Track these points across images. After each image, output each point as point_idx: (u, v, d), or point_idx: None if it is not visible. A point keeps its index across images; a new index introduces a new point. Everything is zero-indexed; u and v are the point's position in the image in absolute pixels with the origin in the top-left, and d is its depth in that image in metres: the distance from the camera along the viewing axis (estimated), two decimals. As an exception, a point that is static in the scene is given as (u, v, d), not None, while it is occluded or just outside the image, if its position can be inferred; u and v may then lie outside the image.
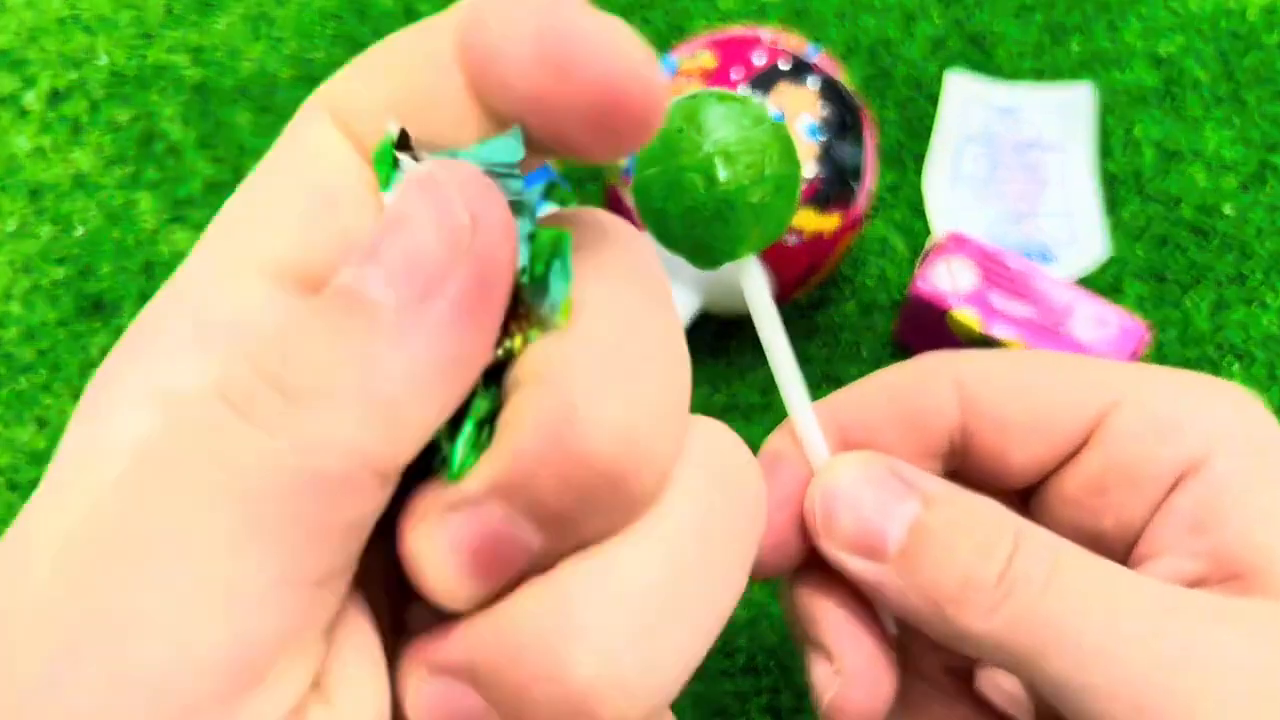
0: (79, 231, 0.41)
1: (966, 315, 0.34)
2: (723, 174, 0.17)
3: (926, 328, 0.36)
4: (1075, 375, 0.20)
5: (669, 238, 0.18)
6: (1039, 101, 0.43)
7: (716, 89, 0.18)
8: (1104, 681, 0.16)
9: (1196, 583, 0.18)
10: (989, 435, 0.20)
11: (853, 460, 0.20)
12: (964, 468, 0.21)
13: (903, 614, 0.19)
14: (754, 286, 0.19)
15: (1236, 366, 0.38)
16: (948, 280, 0.35)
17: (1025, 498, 0.21)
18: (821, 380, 0.38)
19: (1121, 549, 0.20)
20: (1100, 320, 0.34)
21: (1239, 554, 0.18)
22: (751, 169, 0.17)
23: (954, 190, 0.41)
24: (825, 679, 0.20)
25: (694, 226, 0.17)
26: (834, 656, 0.20)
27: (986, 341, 0.34)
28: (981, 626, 0.17)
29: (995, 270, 0.35)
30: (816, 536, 0.20)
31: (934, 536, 0.18)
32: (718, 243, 0.18)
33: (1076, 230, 0.40)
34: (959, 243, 0.35)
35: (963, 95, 0.44)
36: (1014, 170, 0.42)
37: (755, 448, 0.37)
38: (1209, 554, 0.18)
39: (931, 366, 0.21)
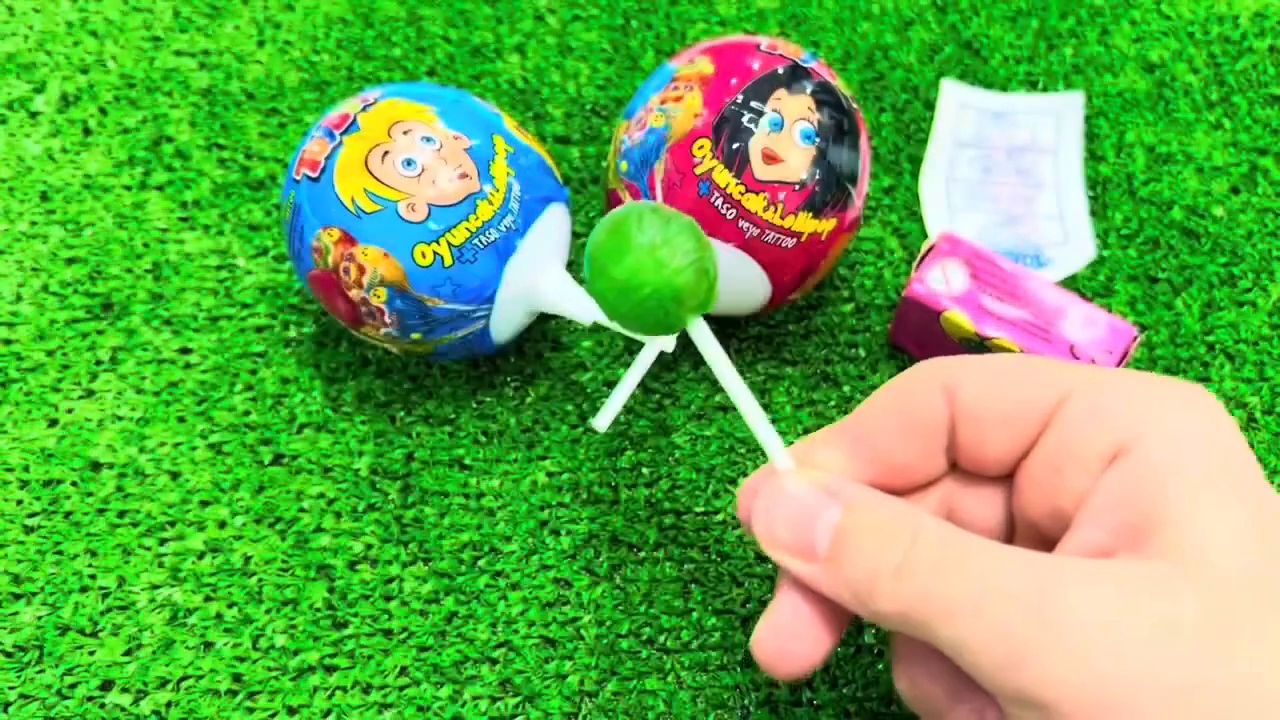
0: (88, 233, 0.41)
1: (959, 316, 0.35)
2: (665, 269, 0.23)
3: (921, 329, 0.37)
4: (1039, 374, 0.23)
5: (632, 326, 0.24)
6: (1030, 107, 0.44)
7: (636, 203, 0.24)
8: (977, 637, 0.19)
9: (1103, 552, 0.20)
10: (970, 430, 0.23)
11: (790, 477, 0.24)
12: (960, 461, 0.24)
13: (836, 601, 0.23)
14: (702, 338, 0.25)
15: (1228, 367, 0.38)
16: (941, 282, 0.36)
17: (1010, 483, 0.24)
18: (819, 380, 0.38)
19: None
20: (1090, 321, 0.34)
21: (1142, 525, 0.20)
22: (682, 262, 0.23)
23: (949, 194, 0.42)
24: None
25: (648, 316, 0.24)
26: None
27: (980, 342, 0.35)
28: (888, 608, 0.21)
29: (987, 272, 0.35)
30: (761, 544, 0.24)
31: (850, 538, 0.22)
32: (670, 320, 0.24)
33: (1068, 232, 0.41)
34: (953, 244, 0.36)
35: (956, 101, 0.44)
36: (1007, 174, 0.42)
37: (754, 447, 0.38)
38: (1120, 526, 0.20)
39: (922, 374, 0.24)
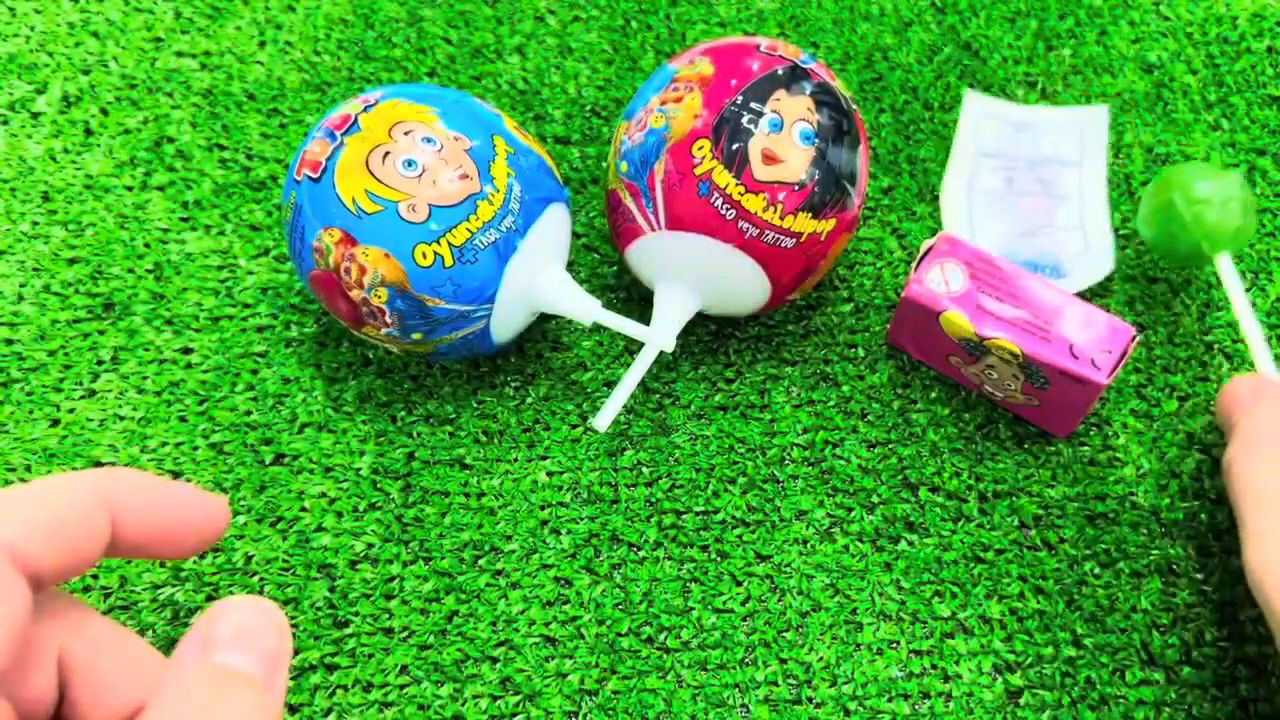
0: (90, 233, 0.41)
1: (958, 317, 0.35)
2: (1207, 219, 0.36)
3: (920, 329, 0.37)
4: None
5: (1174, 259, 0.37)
6: (1053, 120, 0.44)
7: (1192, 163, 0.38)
8: None
9: None
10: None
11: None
12: None
13: None
14: (1228, 272, 0.36)
15: (1226, 367, 0.39)
16: (940, 283, 0.35)
17: None
18: (819, 380, 0.38)
19: None
20: (1089, 321, 0.34)
21: None
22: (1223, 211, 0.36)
23: (970, 204, 0.42)
24: None
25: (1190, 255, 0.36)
26: None
27: (979, 342, 0.35)
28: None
29: (986, 272, 0.35)
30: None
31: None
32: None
33: (1089, 244, 0.40)
34: (951, 245, 0.36)
35: (978, 112, 0.44)
36: (1029, 185, 0.42)
37: (754, 447, 0.38)
38: None
39: None
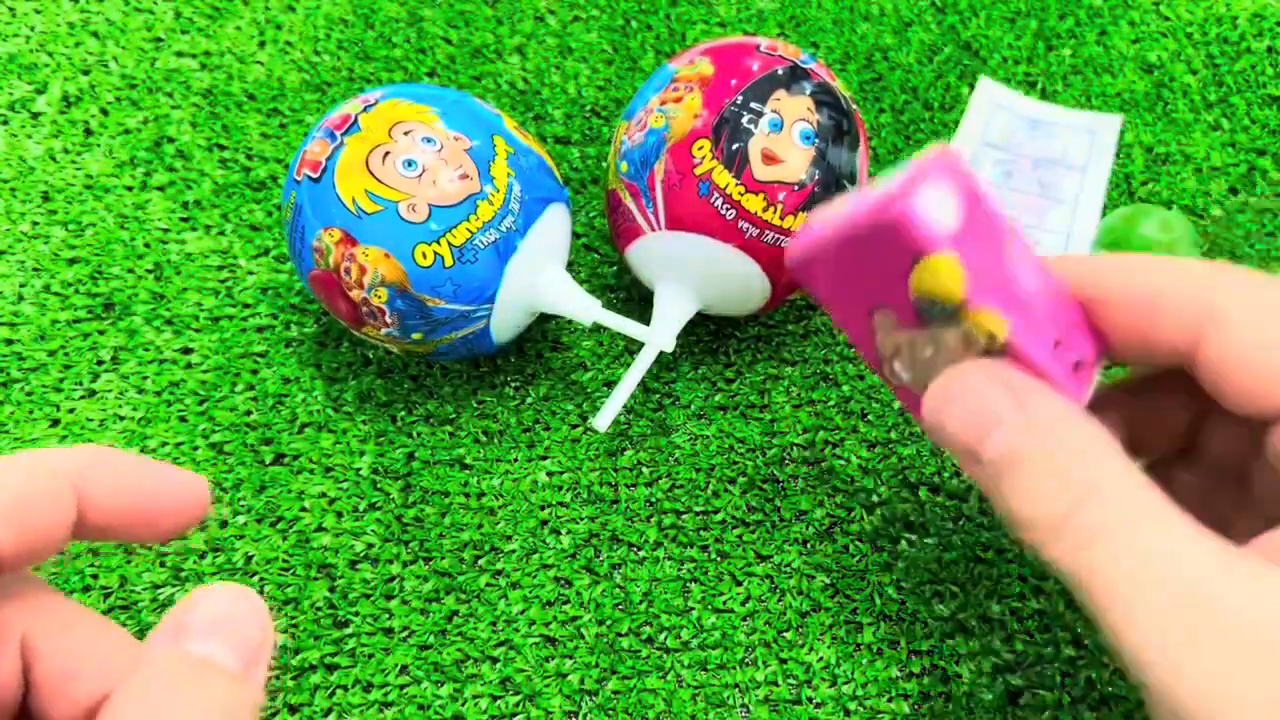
0: (90, 233, 0.41)
1: (951, 265, 0.22)
2: None
3: (861, 266, 0.24)
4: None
5: None
6: (1069, 121, 0.44)
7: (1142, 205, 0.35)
8: (1131, 628, 0.18)
9: None
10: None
11: (982, 364, 0.22)
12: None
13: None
14: None
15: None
16: (940, 212, 0.22)
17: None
18: (819, 380, 0.38)
19: None
20: (1066, 323, 0.25)
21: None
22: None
23: None
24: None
25: None
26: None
27: (953, 311, 0.23)
28: (1045, 553, 0.19)
29: (979, 221, 0.23)
30: (925, 429, 0.22)
31: (1020, 466, 0.20)
32: None
33: (1069, 251, 0.41)
34: (950, 166, 0.23)
35: (990, 100, 0.44)
36: (1029, 184, 0.42)
37: (754, 447, 0.38)
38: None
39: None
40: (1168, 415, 0.25)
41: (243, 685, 0.20)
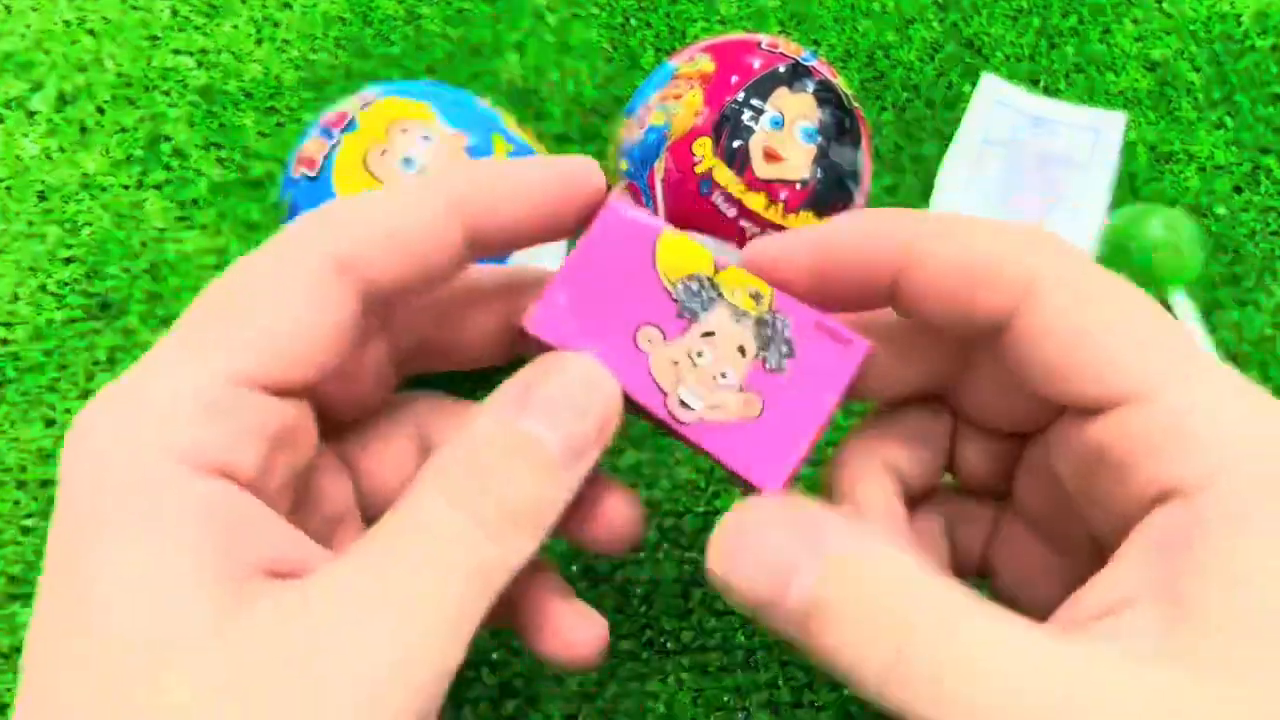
0: (86, 233, 0.41)
1: (684, 239, 0.22)
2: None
3: (606, 283, 0.22)
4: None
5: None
6: (1073, 118, 0.44)
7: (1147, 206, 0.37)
8: None
9: (1146, 634, 0.16)
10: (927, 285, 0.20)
11: (762, 505, 0.19)
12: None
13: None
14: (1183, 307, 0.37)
15: (1231, 368, 0.38)
16: (643, 214, 0.22)
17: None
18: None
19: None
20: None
21: (1205, 607, 0.16)
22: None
23: (965, 189, 0.42)
24: None
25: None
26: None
27: (710, 279, 0.22)
28: (881, 702, 0.17)
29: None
30: (711, 572, 0.19)
31: (829, 613, 0.17)
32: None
33: None
34: (628, 206, 0.22)
35: (993, 97, 0.44)
36: (1032, 182, 0.42)
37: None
38: (1171, 600, 0.17)
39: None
40: (929, 445, 0.24)
41: (558, 475, 0.19)
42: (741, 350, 0.21)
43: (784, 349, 0.21)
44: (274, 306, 0.18)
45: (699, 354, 0.21)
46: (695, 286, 0.21)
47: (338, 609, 0.17)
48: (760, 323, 0.21)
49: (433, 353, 0.24)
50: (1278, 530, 0.16)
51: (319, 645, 0.16)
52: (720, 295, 0.21)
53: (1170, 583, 0.17)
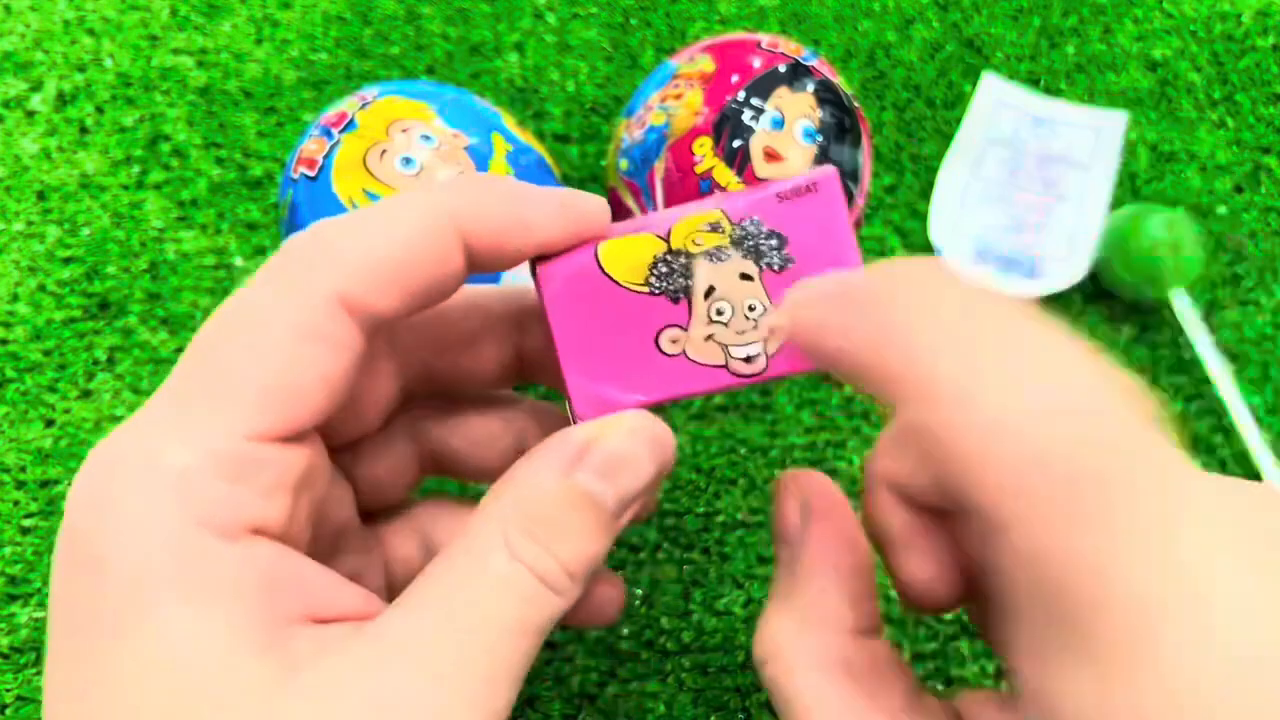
0: (85, 232, 0.41)
1: (623, 239, 0.21)
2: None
3: (593, 323, 0.21)
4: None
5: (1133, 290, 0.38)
6: (1073, 118, 0.43)
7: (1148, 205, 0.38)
8: None
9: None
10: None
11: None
12: None
13: None
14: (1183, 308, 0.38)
15: (1231, 368, 0.38)
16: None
17: None
18: (820, 381, 0.38)
19: None
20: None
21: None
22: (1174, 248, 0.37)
23: (967, 189, 0.42)
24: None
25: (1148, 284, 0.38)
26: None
27: (671, 254, 0.21)
28: None
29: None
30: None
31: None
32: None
33: (1073, 249, 0.40)
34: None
35: (995, 98, 0.44)
36: (1033, 182, 0.42)
37: (755, 448, 0.38)
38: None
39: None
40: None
41: (611, 525, 0.20)
42: (746, 276, 0.21)
43: (774, 242, 0.21)
44: (281, 356, 0.18)
45: (718, 312, 0.21)
46: (663, 268, 0.21)
47: (403, 662, 0.17)
48: (737, 242, 0.21)
49: (437, 377, 0.24)
50: None
51: (385, 701, 0.17)
52: (689, 254, 0.21)
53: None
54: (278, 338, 0.18)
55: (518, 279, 0.33)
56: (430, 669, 0.17)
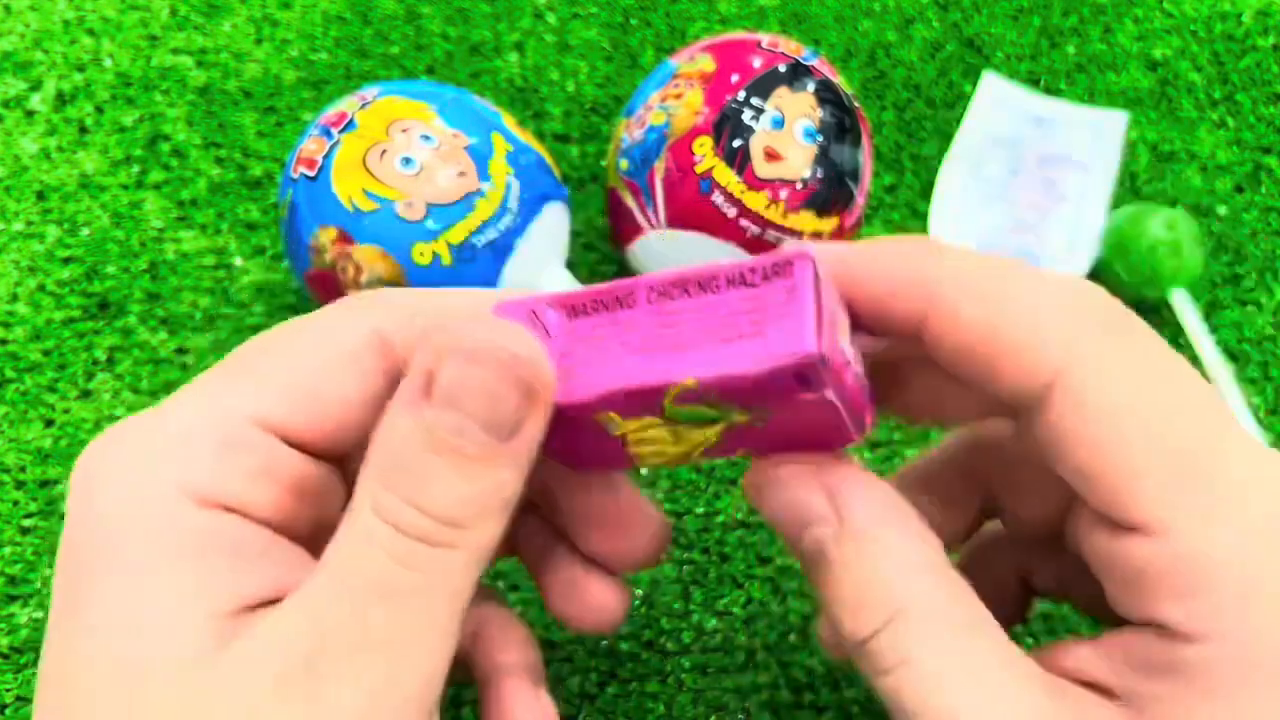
0: (85, 232, 0.41)
1: (615, 416, 0.19)
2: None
3: (577, 443, 0.20)
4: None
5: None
6: (1072, 118, 0.43)
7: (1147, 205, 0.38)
8: None
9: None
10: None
11: (794, 461, 0.20)
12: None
13: None
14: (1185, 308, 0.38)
15: (1232, 368, 0.38)
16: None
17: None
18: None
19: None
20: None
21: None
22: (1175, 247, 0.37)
23: (966, 189, 0.42)
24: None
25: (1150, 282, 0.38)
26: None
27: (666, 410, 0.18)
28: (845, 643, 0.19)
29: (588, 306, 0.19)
30: (745, 489, 0.20)
31: (832, 569, 0.19)
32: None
33: (1073, 249, 0.40)
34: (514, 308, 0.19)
35: (994, 97, 0.44)
36: (1032, 180, 0.42)
37: (754, 446, 0.37)
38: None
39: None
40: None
41: (490, 463, 0.17)
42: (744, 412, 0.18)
43: (761, 405, 0.18)
44: (312, 363, 0.19)
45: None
46: (689, 408, 0.18)
47: (301, 627, 0.17)
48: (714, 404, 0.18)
49: None
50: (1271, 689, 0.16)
51: (281, 670, 0.16)
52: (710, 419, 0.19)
53: (1146, 703, 0.17)
54: (313, 349, 0.19)
55: (529, 282, 0.33)
56: (319, 634, 0.17)
